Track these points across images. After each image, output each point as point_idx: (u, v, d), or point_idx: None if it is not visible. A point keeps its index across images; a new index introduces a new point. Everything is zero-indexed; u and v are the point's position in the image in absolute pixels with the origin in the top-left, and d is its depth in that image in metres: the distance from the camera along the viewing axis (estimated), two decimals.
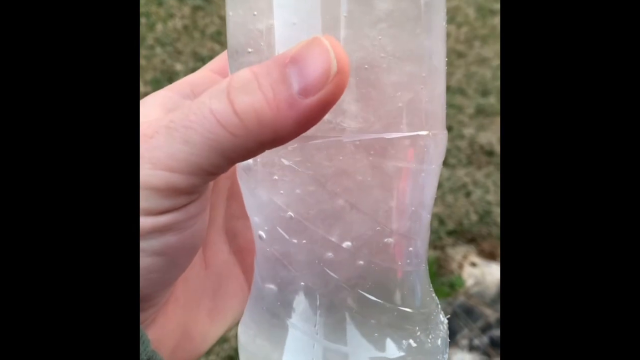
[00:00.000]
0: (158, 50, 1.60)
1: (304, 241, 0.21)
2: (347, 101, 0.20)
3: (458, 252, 1.33)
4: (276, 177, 0.21)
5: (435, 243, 1.35)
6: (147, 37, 1.61)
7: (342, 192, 0.21)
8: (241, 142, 0.18)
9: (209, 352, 1.12)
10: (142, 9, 1.63)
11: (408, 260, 0.22)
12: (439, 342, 0.23)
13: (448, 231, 1.37)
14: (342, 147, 0.20)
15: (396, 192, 0.21)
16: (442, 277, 1.28)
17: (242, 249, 0.27)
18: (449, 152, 1.52)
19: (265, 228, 0.22)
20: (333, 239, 0.21)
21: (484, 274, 1.28)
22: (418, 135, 0.21)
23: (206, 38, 1.63)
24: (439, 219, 1.39)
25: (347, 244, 0.21)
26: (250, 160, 0.22)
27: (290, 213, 0.21)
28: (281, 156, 0.21)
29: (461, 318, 1.20)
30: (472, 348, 1.15)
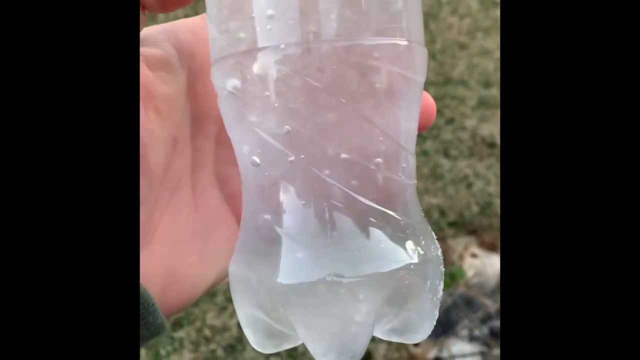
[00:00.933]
0: None
1: (303, 156, 0.21)
2: (329, 9, 0.20)
3: (459, 243, 1.33)
4: (268, 93, 0.21)
5: (436, 234, 1.34)
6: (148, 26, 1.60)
7: (337, 101, 0.21)
8: None
9: (210, 341, 1.13)
10: None
11: (404, 175, 0.23)
12: (439, 253, 0.24)
13: (449, 222, 1.37)
14: (330, 54, 0.21)
15: (385, 99, 0.22)
16: None
17: (234, 196, 0.27)
18: (450, 143, 1.52)
19: (259, 151, 0.22)
20: (332, 150, 0.21)
21: (484, 265, 1.28)
22: (397, 43, 0.22)
23: None
24: (440, 210, 1.39)
25: (345, 154, 0.21)
26: (237, 82, 0.22)
27: (287, 127, 0.21)
28: (269, 70, 0.21)
29: (461, 309, 1.20)
30: (472, 338, 1.15)
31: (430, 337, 1.23)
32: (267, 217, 0.22)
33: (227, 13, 0.22)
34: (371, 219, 0.22)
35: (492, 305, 1.20)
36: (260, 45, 0.21)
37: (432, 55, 1.72)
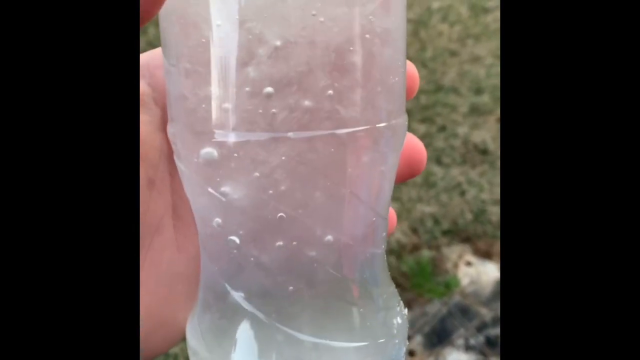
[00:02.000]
0: None
1: (295, 243, 0.20)
2: (299, 98, 0.19)
3: (453, 252, 1.33)
4: (258, 174, 0.20)
5: (430, 243, 1.35)
6: (140, 41, 1.61)
7: (331, 184, 0.20)
8: None
9: None
10: None
11: (383, 245, 0.23)
12: (405, 312, 0.24)
13: (443, 231, 1.37)
14: (321, 141, 0.20)
15: (376, 181, 0.22)
16: (437, 277, 1.28)
17: None
18: (442, 151, 1.53)
19: (241, 232, 0.21)
20: (321, 232, 0.20)
21: (479, 273, 1.28)
22: (375, 127, 0.21)
23: None
24: (433, 219, 1.39)
25: (329, 237, 0.21)
26: (215, 151, 0.20)
27: (281, 214, 0.20)
28: (263, 148, 0.19)
29: (457, 317, 1.20)
30: (468, 348, 1.15)
31: (426, 346, 1.22)
32: (241, 293, 0.22)
33: (214, 79, 0.19)
34: (357, 300, 0.22)
35: (488, 313, 1.20)
36: (249, 128, 0.19)
37: (422, 63, 1.72)
